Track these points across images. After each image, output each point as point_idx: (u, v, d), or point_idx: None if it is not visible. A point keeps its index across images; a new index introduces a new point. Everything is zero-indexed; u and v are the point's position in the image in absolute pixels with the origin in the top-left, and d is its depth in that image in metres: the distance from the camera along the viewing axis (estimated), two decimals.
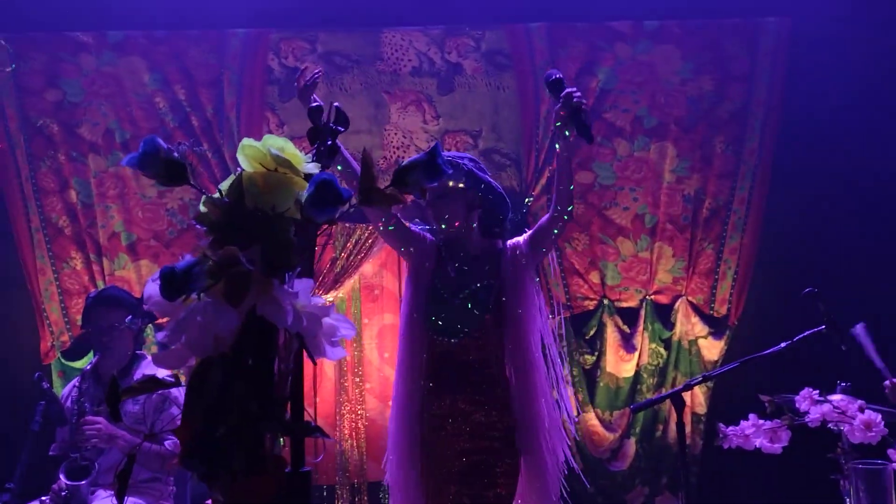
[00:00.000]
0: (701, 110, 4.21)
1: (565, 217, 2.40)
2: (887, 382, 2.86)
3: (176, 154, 1.21)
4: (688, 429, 4.06)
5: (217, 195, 1.21)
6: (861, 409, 1.73)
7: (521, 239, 2.48)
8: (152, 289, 1.16)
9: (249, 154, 1.21)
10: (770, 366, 2.99)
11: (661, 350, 4.17)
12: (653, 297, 4.20)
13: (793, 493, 3.76)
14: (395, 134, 4.27)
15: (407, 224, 2.52)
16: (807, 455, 2.86)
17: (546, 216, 2.45)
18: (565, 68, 4.25)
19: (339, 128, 1.49)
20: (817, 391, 1.80)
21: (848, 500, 1.96)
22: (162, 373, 3.09)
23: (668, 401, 3.11)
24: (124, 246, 4.21)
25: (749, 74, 4.21)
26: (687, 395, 3.87)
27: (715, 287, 4.17)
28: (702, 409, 4.08)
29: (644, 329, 4.17)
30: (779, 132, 4.18)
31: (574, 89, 2.28)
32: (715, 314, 4.16)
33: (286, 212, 1.20)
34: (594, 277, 4.22)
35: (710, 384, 4.04)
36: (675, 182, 4.21)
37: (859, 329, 2.99)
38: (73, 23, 4.24)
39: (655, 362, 4.16)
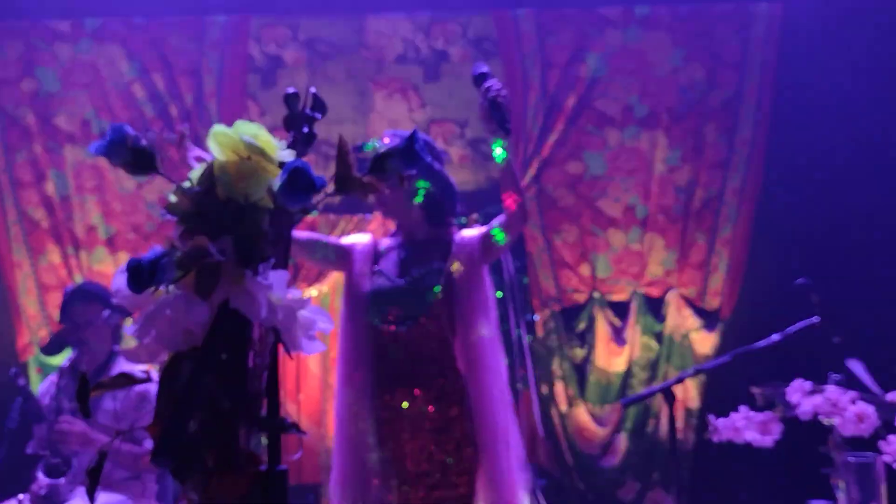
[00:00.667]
0: (692, 98, 4.15)
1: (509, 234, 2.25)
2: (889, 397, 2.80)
3: (144, 142, 1.13)
4: (680, 423, 4.01)
5: (187, 184, 1.13)
6: (853, 402, 1.67)
7: (475, 233, 2.33)
8: (120, 281, 1.10)
9: (221, 141, 1.15)
10: (763, 359, 2.94)
11: (653, 344, 4.11)
12: (644, 289, 4.14)
13: (785, 487, 3.71)
14: (380, 123, 4.18)
15: (326, 241, 2.41)
16: (799, 449, 2.82)
17: (496, 220, 2.27)
18: (554, 55, 4.18)
19: (316, 114, 1.42)
20: (809, 383, 1.74)
21: (839, 493, 1.91)
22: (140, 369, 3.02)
23: (659, 395, 3.07)
24: (102, 239, 4.11)
25: (741, 61, 4.14)
26: (679, 389, 3.85)
27: (707, 279, 4.12)
28: (694, 403, 4.03)
29: (635, 322, 4.11)
30: (771, 120, 4.12)
31: (492, 83, 2.17)
32: (707, 307, 4.11)
33: (259, 201, 1.13)
34: (584, 270, 4.15)
35: (702, 378, 3.99)
36: (666, 172, 4.14)
37: (855, 367, 2.93)
38: (50, 10, 4.13)
39: (647, 356, 4.10)
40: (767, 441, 1.75)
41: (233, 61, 4.16)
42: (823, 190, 4.02)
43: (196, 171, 1.13)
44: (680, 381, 2.92)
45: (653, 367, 4.09)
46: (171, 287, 1.05)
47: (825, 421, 2.15)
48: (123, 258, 4.08)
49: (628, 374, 4.08)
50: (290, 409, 4.05)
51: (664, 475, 3.95)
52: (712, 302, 4.10)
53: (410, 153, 1.23)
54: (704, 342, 4.07)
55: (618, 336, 4.12)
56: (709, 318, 4.11)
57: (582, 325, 4.14)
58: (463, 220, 4.06)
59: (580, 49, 4.17)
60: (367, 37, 4.22)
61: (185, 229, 1.07)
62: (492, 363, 2.22)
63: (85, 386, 1.08)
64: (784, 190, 4.08)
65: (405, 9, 4.23)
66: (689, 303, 4.12)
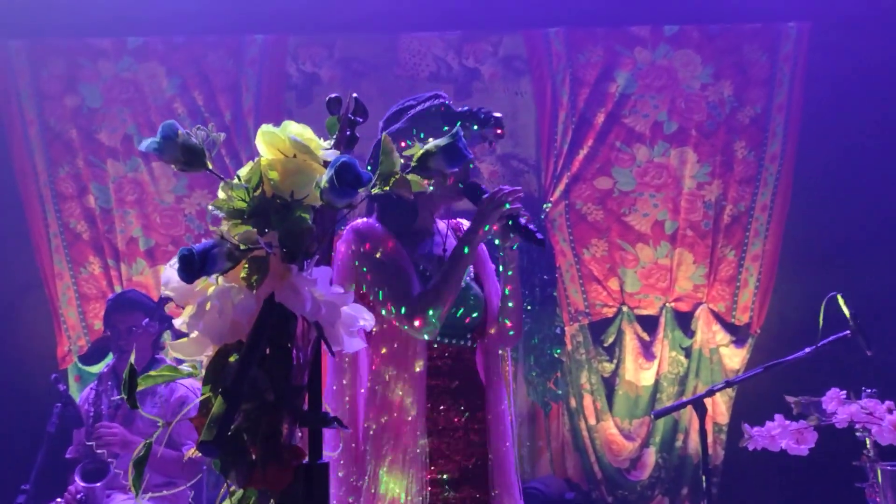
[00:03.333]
0: (721, 115, 4.17)
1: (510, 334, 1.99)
2: None
3: (194, 139, 1.19)
4: (709, 437, 3.99)
5: (235, 181, 1.19)
6: (889, 410, 1.68)
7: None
8: (170, 273, 1.15)
9: (268, 140, 1.20)
10: (793, 374, 2.94)
11: (682, 358, 4.11)
12: (673, 304, 4.15)
13: (815, 501, 3.68)
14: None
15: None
16: (830, 465, 2.81)
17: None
18: (584, 73, 4.23)
19: (358, 118, 1.48)
20: (844, 392, 1.75)
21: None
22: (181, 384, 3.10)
23: (689, 410, 3.07)
24: (142, 251, 4.21)
25: (769, 78, 4.17)
26: (708, 403, 3.84)
27: (736, 294, 4.11)
28: (723, 418, 4.01)
29: (664, 337, 4.11)
30: (800, 137, 4.13)
31: (497, 190, 1.88)
32: (736, 322, 4.10)
33: (305, 198, 1.18)
34: (613, 284, 4.17)
35: (731, 393, 3.98)
36: (695, 188, 4.16)
37: None
38: (92, 29, 4.28)
39: (675, 371, 4.10)
40: (802, 450, 1.75)
41: (270, 79, 4.27)
42: (851, 205, 4.01)
43: (244, 169, 1.19)
44: (711, 393, 2.93)
45: (681, 381, 4.09)
46: (220, 279, 1.10)
47: (860, 433, 2.15)
48: (163, 270, 4.18)
49: (656, 388, 4.08)
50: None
51: (693, 490, 3.93)
52: (742, 317, 4.10)
53: (454, 151, 1.27)
54: (734, 357, 4.06)
55: (646, 350, 4.12)
56: (738, 334, 4.10)
57: (610, 339, 4.15)
58: None
59: (609, 67, 4.22)
60: (401, 55, 4.31)
61: (233, 224, 1.12)
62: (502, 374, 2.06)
63: (133, 377, 1.12)
64: (813, 205, 4.08)
65: (437, 27, 4.31)
66: (719, 318, 4.11)
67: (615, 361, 4.13)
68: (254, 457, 1.15)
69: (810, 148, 4.12)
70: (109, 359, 3.50)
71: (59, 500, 2.99)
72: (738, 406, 4.00)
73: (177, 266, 1.06)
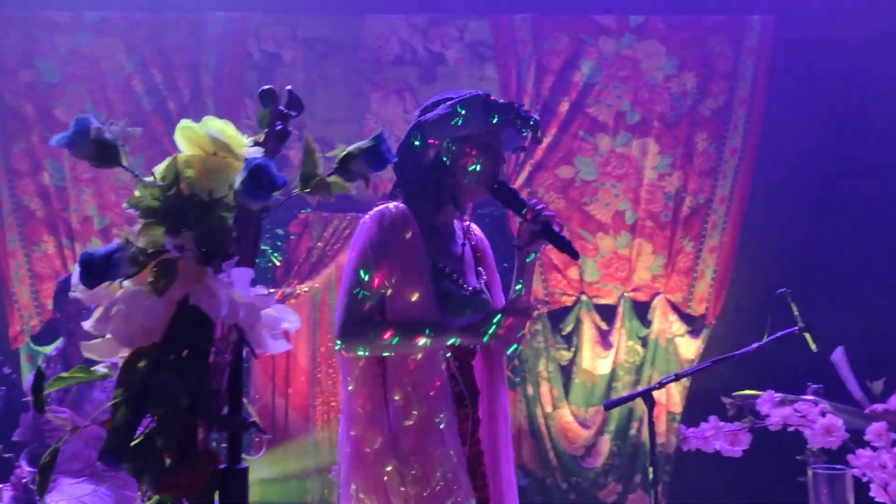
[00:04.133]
0: (684, 107, 4.18)
1: None
2: (867, 411, 2.84)
3: (108, 134, 1.16)
4: (662, 427, 4.05)
5: (150, 178, 1.16)
6: (822, 414, 1.70)
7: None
8: (77, 275, 1.12)
9: (187, 136, 1.17)
10: (747, 364, 2.98)
11: (638, 348, 4.14)
12: (631, 294, 4.18)
13: (764, 492, 3.74)
14: (375, 124, 4.22)
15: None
16: (780, 455, 2.85)
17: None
18: (549, 61, 4.21)
19: (292, 112, 1.44)
20: (779, 395, 1.77)
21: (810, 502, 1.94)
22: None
23: (640, 399, 3.09)
24: (97, 230, 4.15)
25: (732, 72, 4.18)
26: (662, 394, 3.88)
27: (693, 285, 4.15)
28: (677, 407, 4.06)
29: (621, 326, 4.14)
30: (761, 131, 4.15)
31: (535, 201, 1.87)
32: (692, 313, 4.14)
33: (224, 197, 1.15)
34: (573, 273, 4.19)
35: (686, 383, 4.02)
36: (656, 179, 4.18)
37: (838, 354, 2.98)
38: (50, 2, 4.17)
39: (632, 360, 4.14)
40: (736, 451, 1.77)
41: (231, 58, 4.20)
42: (809, 201, 4.05)
43: (160, 166, 1.15)
44: (660, 385, 2.95)
45: (638, 370, 4.13)
46: (128, 282, 1.07)
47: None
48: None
49: (613, 376, 4.12)
50: (279, 403, 4.09)
51: (646, 478, 3.98)
52: (698, 308, 4.14)
53: (377, 155, 1.25)
54: (689, 347, 4.10)
55: (604, 339, 4.15)
56: (694, 324, 4.14)
57: (569, 328, 4.17)
58: None
59: (575, 55, 4.20)
60: (365, 37, 4.26)
61: (146, 224, 1.09)
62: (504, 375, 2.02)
63: (39, 381, 1.09)
64: (771, 199, 4.11)
65: (403, 10, 4.26)
66: (675, 308, 4.15)
67: (573, 350, 4.15)
68: (168, 462, 1.13)
69: (770, 142, 4.14)
70: (60, 341, 3.45)
71: (4, 484, 2.95)
72: (693, 396, 4.05)
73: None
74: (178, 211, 1.12)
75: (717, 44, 4.19)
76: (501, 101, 1.87)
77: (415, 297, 1.76)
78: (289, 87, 1.46)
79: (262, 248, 4.06)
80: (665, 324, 4.14)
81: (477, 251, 2.00)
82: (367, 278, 1.76)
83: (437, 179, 1.86)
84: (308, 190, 1.21)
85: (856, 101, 4.00)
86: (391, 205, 1.83)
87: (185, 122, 1.16)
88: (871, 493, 1.69)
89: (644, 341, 4.14)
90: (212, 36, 4.21)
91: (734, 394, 2.61)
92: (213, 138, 1.16)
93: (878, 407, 2.90)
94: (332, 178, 1.21)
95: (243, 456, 1.21)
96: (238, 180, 1.09)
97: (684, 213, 4.16)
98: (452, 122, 1.82)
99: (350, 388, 1.82)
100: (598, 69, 4.19)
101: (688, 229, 4.16)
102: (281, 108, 1.40)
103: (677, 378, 3.03)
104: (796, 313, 2.79)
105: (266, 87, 1.49)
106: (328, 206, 4.13)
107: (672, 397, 4.05)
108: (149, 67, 4.19)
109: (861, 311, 3.76)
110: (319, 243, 4.09)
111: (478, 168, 1.85)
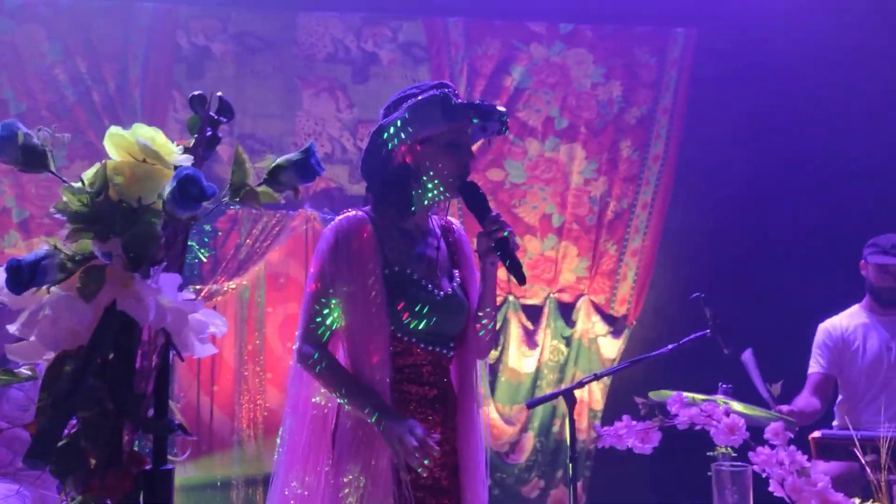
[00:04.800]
0: (610, 114, 4.32)
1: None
2: (773, 411, 3.01)
3: (36, 140, 1.15)
4: (584, 424, 4.18)
5: (79, 184, 1.16)
6: (727, 413, 1.81)
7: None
8: (3, 278, 1.12)
9: (116, 142, 1.17)
10: (665, 364, 3.12)
11: (562, 347, 4.27)
12: (556, 295, 4.29)
13: (679, 487, 3.91)
14: (307, 121, 4.21)
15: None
16: (704, 448, 3.00)
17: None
18: (481, 65, 4.28)
19: (222, 118, 1.46)
20: (687, 395, 1.88)
21: (714, 498, 2.06)
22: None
23: (561, 397, 3.19)
24: (15, 223, 4.02)
25: (656, 82, 4.34)
26: (584, 392, 4.02)
27: (616, 287, 4.30)
28: (598, 405, 4.20)
29: (546, 326, 4.26)
30: (682, 139, 4.33)
31: (497, 213, 1.84)
32: (614, 314, 4.29)
33: (153, 204, 1.17)
34: (501, 273, 4.21)
35: (607, 381, 4.16)
36: (582, 184, 4.31)
37: (747, 356, 3.14)
38: None
39: (556, 359, 4.26)
40: (647, 449, 1.86)
41: (159, 49, 4.12)
42: (726, 207, 4.24)
43: (89, 172, 1.16)
44: (581, 385, 3.06)
45: (561, 369, 4.25)
46: (55, 287, 1.08)
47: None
48: (38, 244, 4.00)
49: (537, 375, 4.23)
50: (203, 401, 4.05)
51: (567, 473, 4.10)
52: (620, 309, 4.29)
53: (306, 167, 1.28)
54: (611, 347, 4.25)
55: (529, 339, 4.26)
56: (616, 325, 4.29)
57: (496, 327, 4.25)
58: None
59: (506, 60, 4.29)
60: (298, 33, 4.24)
61: (74, 230, 1.10)
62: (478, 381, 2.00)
63: None
64: (690, 205, 4.29)
65: (337, 8, 4.27)
66: (598, 309, 4.29)
67: (499, 349, 4.24)
68: (93, 463, 1.14)
69: (691, 150, 4.32)
70: None
71: None
72: (613, 394, 4.20)
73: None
74: (107, 217, 1.13)
75: (642, 54, 4.35)
76: (460, 100, 1.83)
77: (364, 308, 1.76)
78: (219, 94, 1.47)
79: (189, 244, 4.01)
80: (588, 324, 4.27)
81: (454, 250, 1.96)
82: (323, 292, 1.79)
83: (403, 182, 1.84)
84: (238, 200, 1.23)
85: (772, 111, 4.21)
86: (350, 213, 1.83)
87: (114, 129, 1.17)
88: (770, 489, 1.81)
89: (568, 341, 4.27)
90: (140, 26, 4.12)
91: (649, 393, 2.74)
92: (142, 146, 1.17)
93: (784, 408, 3.09)
94: (262, 189, 1.24)
95: (169, 457, 1.22)
96: (167, 189, 1.11)
97: (608, 217, 4.30)
98: (411, 126, 1.79)
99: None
100: (529, 75, 4.29)
101: (611, 233, 4.30)
102: (211, 113, 1.42)
103: (597, 378, 3.14)
104: (709, 316, 2.94)
105: (196, 92, 1.50)
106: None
107: (594, 395, 4.19)
108: (73, 56, 4.08)
109: (772, 315, 3.96)
110: (248, 240, 4.06)
111: (444, 169, 1.82)
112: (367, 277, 1.78)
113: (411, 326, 1.82)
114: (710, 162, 4.26)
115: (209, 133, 1.41)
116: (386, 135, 1.83)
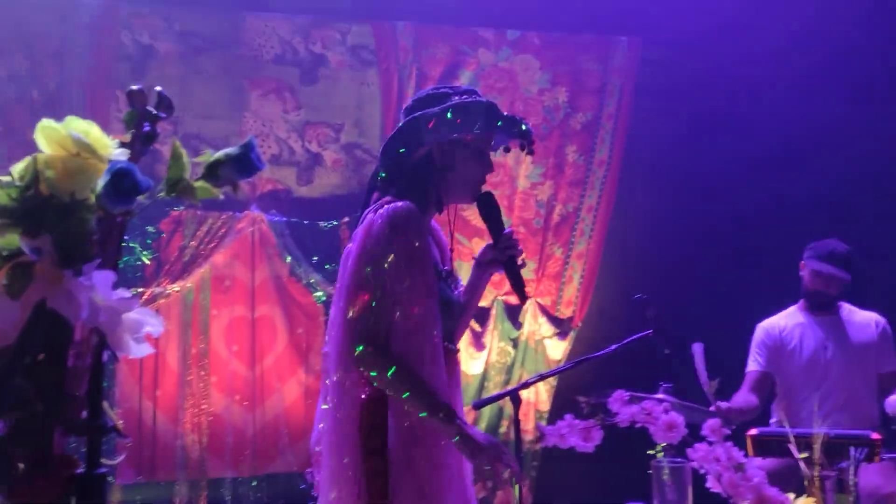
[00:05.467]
0: (556, 120, 4.39)
1: None
2: (713, 408, 3.09)
3: None
4: (531, 425, 4.21)
5: (7, 178, 1.14)
6: (665, 411, 1.86)
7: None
8: None
9: (48, 135, 1.15)
10: (609, 364, 3.17)
11: (510, 349, 4.30)
12: (504, 297, 4.33)
13: (624, 484, 3.97)
14: (254, 122, 4.17)
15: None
16: (640, 449, 3.05)
17: None
18: (430, 69, 4.30)
19: (161, 114, 1.43)
20: (629, 393, 1.92)
21: (653, 495, 2.10)
22: None
23: (507, 398, 3.22)
24: None
25: (601, 89, 4.43)
26: (530, 393, 4.06)
27: (562, 290, 4.36)
28: (545, 405, 4.25)
29: (494, 328, 4.29)
30: (626, 145, 4.42)
31: (510, 230, 1.88)
32: (560, 315, 4.35)
33: (86, 200, 1.14)
34: None
35: (553, 381, 4.21)
36: (529, 187, 4.36)
37: (697, 348, 3.21)
38: None
39: (503, 360, 4.29)
40: (589, 447, 1.90)
41: (102, 47, 4.04)
42: (669, 211, 4.34)
43: (18, 165, 1.13)
44: (526, 386, 3.09)
45: (508, 370, 4.29)
46: None
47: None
48: None
49: (485, 376, 4.25)
50: (146, 406, 3.96)
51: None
52: (565, 311, 4.35)
53: (246, 162, 1.27)
54: (557, 349, 4.30)
55: (477, 340, 4.28)
56: (562, 326, 4.35)
57: None
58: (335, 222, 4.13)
59: (454, 65, 4.32)
60: (245, 34, 4.20)
61: (2, 225, 1.07)
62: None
63: None
64: (634, 209, 4.38)
65: (285, 10, 4.24)
66: (545, 311, 4.34)
67: None
68: (22, 468, 1.11)
69: (635, 155, 4.41)
70: None
71: None
72: (559, 394, 4.25)
73: None
74: (37, 213, 1.10)
75: (587, 61, 4.43)
76: (505, 113, 1.83)
77: (421, 309, 1.69)
78: (158, 88, 1.45)
79: (132, 245, 3.93)
80: (535, 326, 4.32)
81: (440, 248, 1.97)
82: (379, 288, 1.69)
83: (427, 179, 1.81)
84: (174, 195, 1.22)
85: (714, 117, 4.32)
86: (400, 204, 1.75)
87: (46, 122, 1.14)
88: (707, 484, 1.86)
89: (515, 343, 4.31)
90: (81, 23, 4.02)
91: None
92: (75, 139, 1.15)
93: (724, 405, 3.17)
94: (199, 184, 1.23)
95: (103, 461, 1.20)
96: (100, 184, 1.09)
97: (555, 220, 4.36)
98: (453, 124, 1.75)
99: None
100: (476, 80, 4.32)
101: (557, 236, 4.36)
102: (149, 108, 1.40)
103: (541, 378, 3.18)
104: (650, 317, 3.00)
105: (134, 86, 1.48)
106: (201, 203, 4.03)
107: (540, 396, 4.24)
108: (12, 53, 3.96)
109: (713, 315, 4.06)
110: (193, 242, 4.00)
111: (468, 173, 1.83)
112: (430, 277, 1.73)
113: (443, 323, 1.76)
114: (654, 167, 4.36)
115: (147, 128, 1.39)
116: (429, 125, 1.77)
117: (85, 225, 1.14)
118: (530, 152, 1.89)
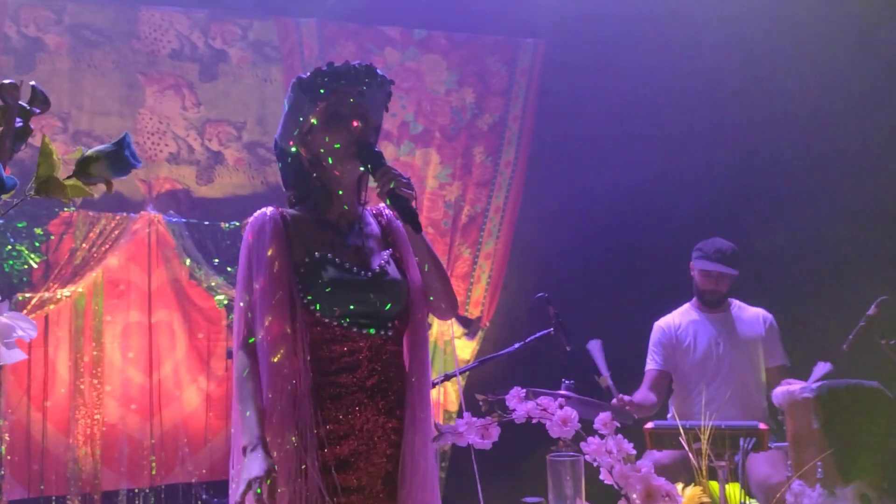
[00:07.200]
0: (463, 120, 4.41)
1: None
2: (614, 401, 3.16)
3: None
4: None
5: None
6: (560, 406, 1.88)
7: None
8: None
9: None
10: (516, 363, 3.20)
11: None
12: None
13: (531, 480, 4.03)
14: (151, 119, 4.01)
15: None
16: (542, 448, 3.10)
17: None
18: None
19: (35, 109, 1.36)
20: (524, 390, 1.93)
21: (549, 488, 2.13)
22: None
23: None
24: None
25: (507, 90, 4.47)
26: (439, 393, 4.06)
27: (470, 290, 4.38)
28: (453, 406, 4.26)
29: None
30: (531, 146, 4.48)
31: (387, 165, 1.76)
32: (469, 315, 4.37)
33: None
34: None
35: (462, 381, 4.22)
36: (437, 188, 4.36)
37: (593, 345, 3.28)
38: None
39: None
40: (486, 444, 1.89)
41: None
42: (573, 212, 4.43)
43: None
44: (433, 386, 3.08)
45: None
46: None
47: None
48: None
49: None
50: (35, 417, 3.76)
51: None
52: (474, 311, 4.37)
53: (120, 159, 1.22)
54: (466, 348, 4.32)
55: None
56: (471, 326, 4.36)
57: None
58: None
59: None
60: (140, 28, 4.04)
61: None
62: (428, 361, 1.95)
63: None
64: (540, 210, 4.45)
65: (182, 4, 4.10)
66: None
67: None
68: None
69: (540, 156, 4.48)
70: None
71: None
72: (467, 393, 4.26)
73: None
74: None
75: (493, 62, 4.46)
76: (306, 74, 1.84)
77: (270, 305, 1.73)
78: (32, 83, 1.37)
79: (19, 248, 3.72)
80: (444, 326, 4.32)
81: (387, 232, 1.91)
82: (246, 295, 1.78)
83: (308, 175, 1.86)
84: (43, 194, 1.15)
85: (619, 118, 4.42)
86: (258, 212, 1.85)
87: None
88: (601, 477, 1.89)
89: None
90: None
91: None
92: None
93: (625, 398, 3.25)
94: (71, 182, 1.16)
95: None
96: None
97: (462, 221, 4.38)
98: (291, 124, 1.84)
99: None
100: None
101: (465, 236, 4.38)
102: (22, 103, 1.32)
103: (447, 378, 3.19)
104: (552, 315, 3.05)
105: (6, 80, 1.40)
106: (94, 204, 3.86)
107: (448, 396, 4.25)
108: None
109: (615, 312, 4.17)
110: (84, 244, 3.81)
111: (333, 143, 1.80)
112: (272, 269, 1.75)
113: (340, 308, 1.75)
114: (559, 168, 4.43)
115: (20, 124, 1.32)
116: (280, 146, 1.88)
117: None
118: (381, 84, 1.96)
